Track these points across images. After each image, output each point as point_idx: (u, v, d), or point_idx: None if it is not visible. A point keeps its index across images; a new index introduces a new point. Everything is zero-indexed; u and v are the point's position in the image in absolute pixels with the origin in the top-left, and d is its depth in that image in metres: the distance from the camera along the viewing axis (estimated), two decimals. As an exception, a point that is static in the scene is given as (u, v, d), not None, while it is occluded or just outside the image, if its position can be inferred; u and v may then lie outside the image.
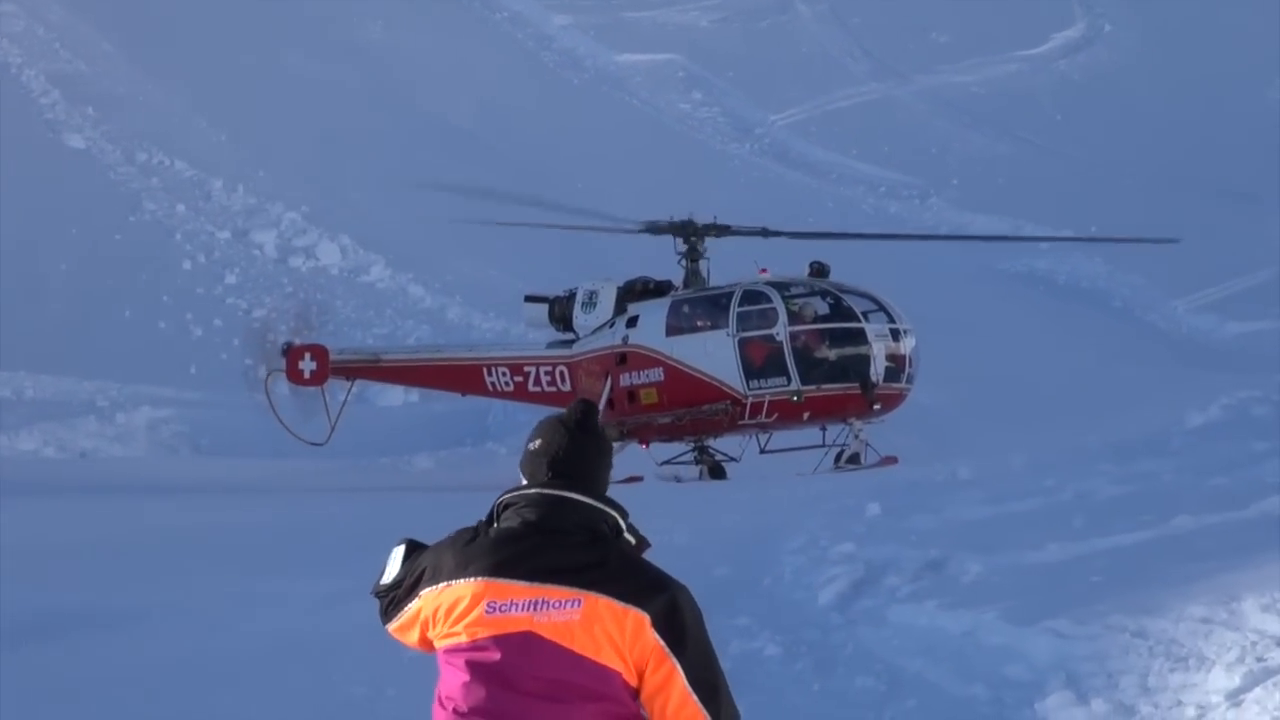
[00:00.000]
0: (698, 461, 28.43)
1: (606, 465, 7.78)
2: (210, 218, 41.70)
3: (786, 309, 27.40)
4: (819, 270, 27.91)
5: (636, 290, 28.98)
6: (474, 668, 7.65)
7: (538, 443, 7.71)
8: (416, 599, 7.76)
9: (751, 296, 27.73)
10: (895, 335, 27.44)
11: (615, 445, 29.11)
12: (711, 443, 28.53)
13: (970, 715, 13.95)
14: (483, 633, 7.61)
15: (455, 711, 7.66)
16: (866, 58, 54.99)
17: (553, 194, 32.32)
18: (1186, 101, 51.41)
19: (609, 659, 7.55)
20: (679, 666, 7.55)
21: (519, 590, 7.59)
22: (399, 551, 7.94)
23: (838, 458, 27.57)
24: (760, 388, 27.36)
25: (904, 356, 27.43)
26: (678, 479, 28.06)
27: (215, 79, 46.25)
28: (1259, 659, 13.29)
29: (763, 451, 28.38)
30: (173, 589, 16.97)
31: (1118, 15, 57.56)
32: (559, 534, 7.63)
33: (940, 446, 27.55)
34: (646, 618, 7.54)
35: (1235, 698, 12.40)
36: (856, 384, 27.06)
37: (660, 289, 29.12)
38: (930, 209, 47.22)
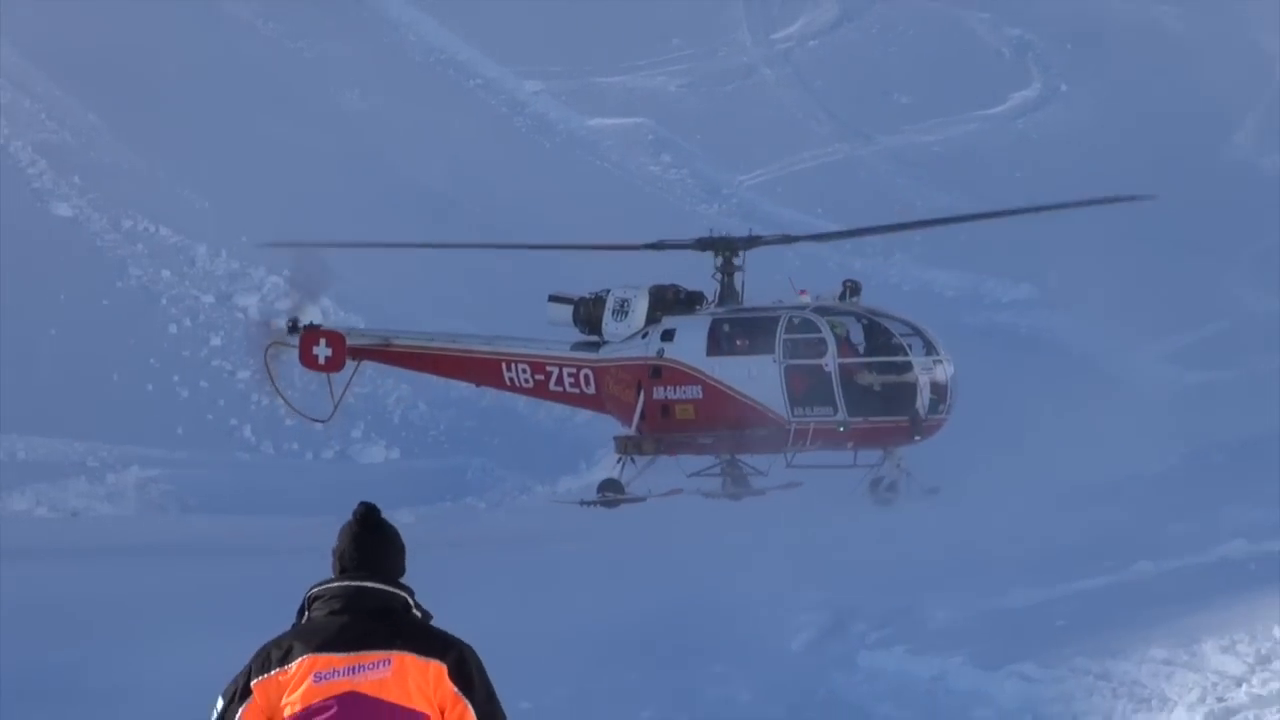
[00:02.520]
0: (724, 474, 27.81)
1: (396, 553, 9.27)
2: (195, 282, 41.99)
3: (835, 339, 26.94)
4: (853, 288, 27.72)
5: (668, 299, 28.35)
6: None
7: (337, 544, 9.20)
8: (250, 697, 9.07)
9: (799, 324, 27.23)
10: (937, 365, 27.10)
11: (647, 458, 27.58)
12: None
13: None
14: (315, 699, 8.98)
15: None
16: (830, 119, 55.46)
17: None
18: (1142, 157, 51.87)
19: (419, 704, 9.06)
20: (470, 705, 9.10)
21: (338, 660, 9.01)
22: (219, 701, 9.20)
23: (876, 484, 27.34)
24: (805, 415, 26.88)
25: (945, 386, 27.04)
26: (707, 493, 27.65)
27: (198, 147, 46.59)
28: (1219, 699, 13.50)
29: (789, 465, 27.70)
30: (162, 654, 17.09)
31: (1072, 75, 58.12)
32: (361, 613, 9.11)
33: (904, 493, 27.60)
34: (445, 667, 9.06)
35: (1197, 737, 12.57)
36: (904, 417, 26.74)
37: (691, 299, 28.46)
38: (894, 264, 47.55)
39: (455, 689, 9.15)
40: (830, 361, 26.83)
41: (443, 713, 9.16)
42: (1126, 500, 20.81)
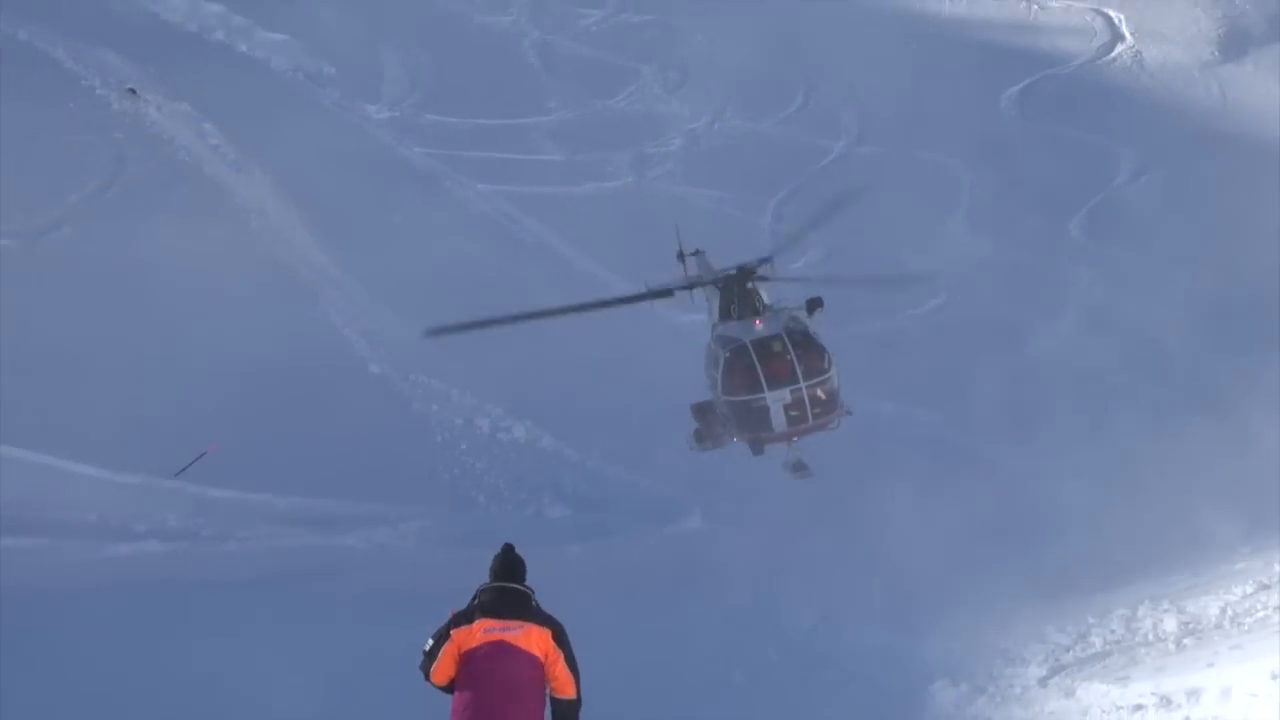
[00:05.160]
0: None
1: (520, 569, 14.61)
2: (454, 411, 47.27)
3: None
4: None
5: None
6: (477, 659, 14.37)
7: (492, 564, 14.67)
8: (449, 640, 14.37)
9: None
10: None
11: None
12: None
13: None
14: (483, 642, 14.40)
15: (469, 684, 14.27)
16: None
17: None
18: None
19: (536, 652, 14.42)
20: (562, 656, 14.42)
21: (495, 624, 14.46)
22: (428, 641, 14.49)
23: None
24: None
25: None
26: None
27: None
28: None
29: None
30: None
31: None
32: (506, 600, 14.57)
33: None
34: (551, 632, 14.48)
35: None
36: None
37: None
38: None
39: (555, 645, 14.41)
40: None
41: (546, 658, 14.37)
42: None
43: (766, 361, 23.72)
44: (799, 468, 24.56)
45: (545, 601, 14.93)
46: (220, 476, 25.91)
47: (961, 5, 46.32)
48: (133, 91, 36.48)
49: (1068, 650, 22.77)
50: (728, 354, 24.00)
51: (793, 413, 23.61)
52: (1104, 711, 20.16)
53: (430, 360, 29.80)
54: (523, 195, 36.32)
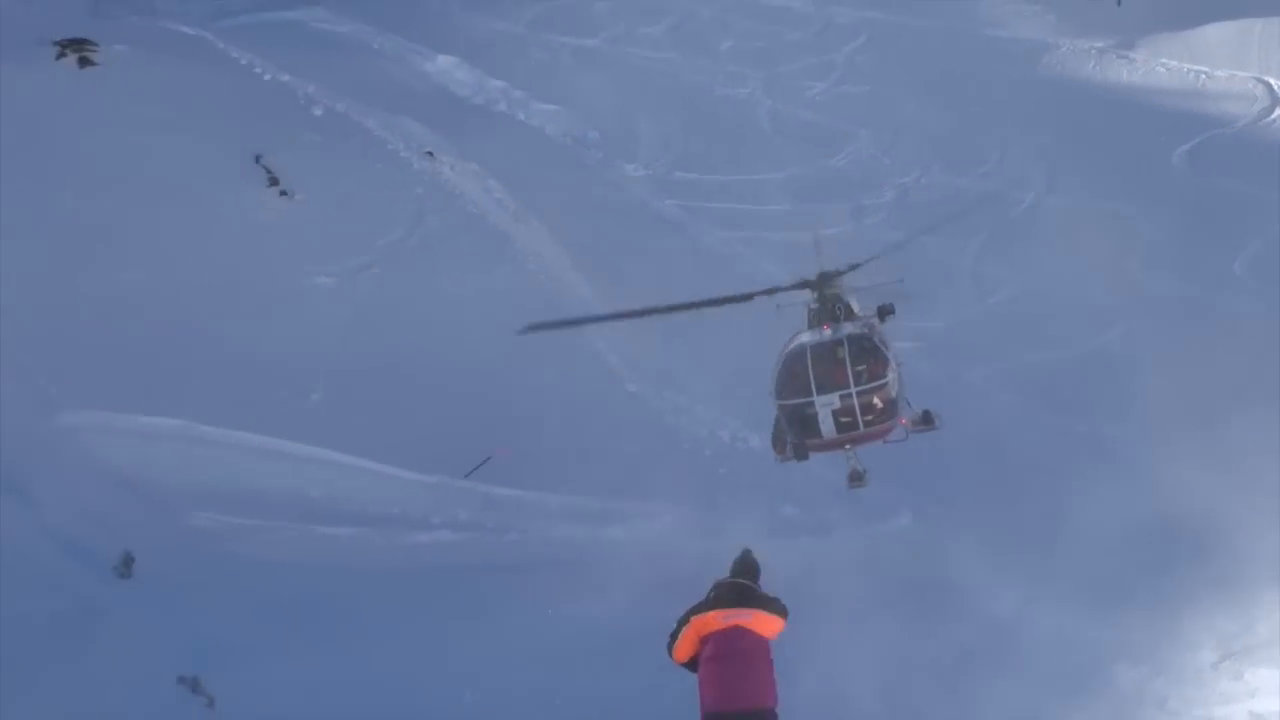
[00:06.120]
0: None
1: (754, 568, 15.47)
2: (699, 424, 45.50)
3: None
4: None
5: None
6: (714, 640, 15.02)
7: (733, 563, 15.53)
8: (689, 625, 15.14)
9: None
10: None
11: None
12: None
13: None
14: (720, 627, 15.03)
15: (712, 658, 14.96)
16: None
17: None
18: None
19: (765, 634, 15.14)
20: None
21: (730, 611, 15.14)
22: (675, 626, 15.25)
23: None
24: None
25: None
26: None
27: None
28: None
29: None
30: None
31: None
32: (739, 592, 15.28)
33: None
34: (780, 618, 15.25)
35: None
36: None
37: None
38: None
39: (783, 628, 15.19)
40: None
41: (774, 639, 15.11)
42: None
43: (819, 366, 20.56)
44: (855, 477, 21.53)
45: (780, 590, 15.61)
46: (503, 478, 26.38)
47: (1138, 74, 45.75)
48: (430, 154, 37.14)
49: (1236, 638, 22.20)
50: (784, 358, 21.07)
51: (843, 419, 20.45)
52: (1269, 693, 19.96)
53: (679, 379, 30.01)
54: (755, 240, 36.49)
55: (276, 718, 19.29)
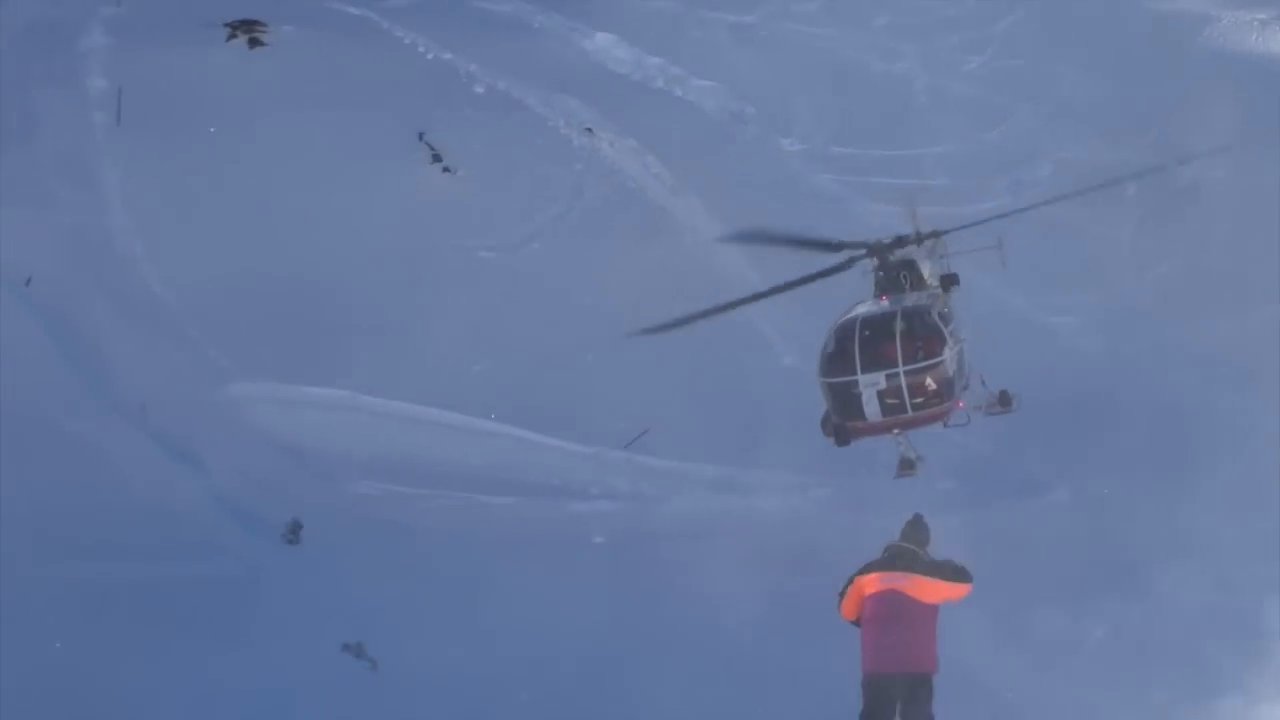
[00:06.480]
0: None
1: (923, 531, 15.76)
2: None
3: None
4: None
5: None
6: (874, 601, 15.42)
7: (903, 526, 15.94)
8: (853, 585, 15.55)
9: None
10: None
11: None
12: None
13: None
14: (878, 589, 15.40)
15: (870, 619, 15.27)
16: None
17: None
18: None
19: (927, 600, 15.32)
20: (949, 587, 15.27)
21: (889, 574, 15.48)
22: (842, 585, 15.67)
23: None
24: None
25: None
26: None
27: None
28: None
29: None
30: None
31: None
32: (903, 556, 15.55)
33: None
34: (940, 581, 15.33)
35: None
36: None
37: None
38: None
39: (944, 588, 15.28)
40: None
41: (936, 602, 15.19)
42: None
43: (867, 341, 18.33)
44: (905, 465, 19.25)
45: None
46: (661, 448, 26.50)
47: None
48: (589, 130, 37.22)
49: None
50: (834, 330, 19.00)
51: (889, 401, 18.17)
52: None
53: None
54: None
55: (438, 684, 19.46)
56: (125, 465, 23.89)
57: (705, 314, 20.52)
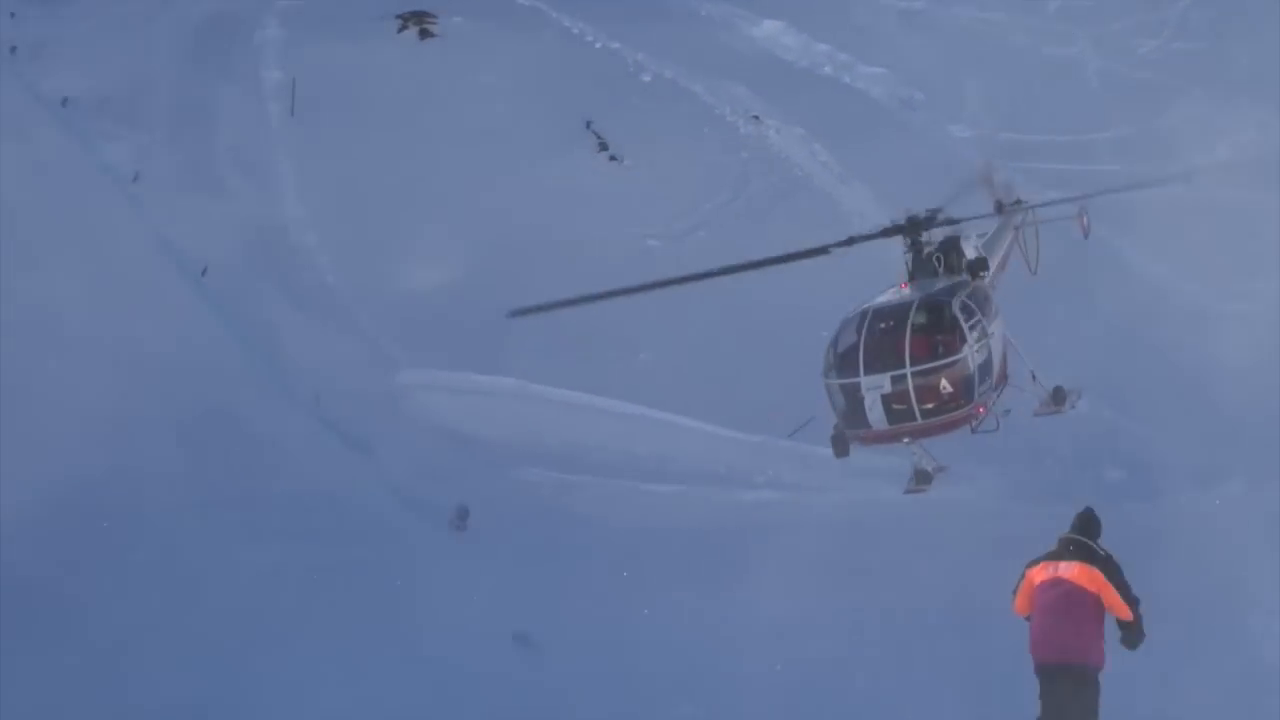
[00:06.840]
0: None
1: (1094, 525, 14.99)
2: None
3: None
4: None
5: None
6: (1040, 591, 14.80)
7: (1074, 518, 15.13)
8: (1024, 578, 14.93)
9: None
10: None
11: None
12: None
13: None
14: (1047, 577, 14.74)
15: (1039, 608, 14.68)
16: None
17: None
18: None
19: (1087, 585, 14.58)
20: (1113, 585, 14.54)
21: (1057, 563, 14.80)
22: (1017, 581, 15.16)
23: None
24: None
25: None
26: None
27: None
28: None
29: None
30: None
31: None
32: (1072, 547, 14.87)
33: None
34: (1099, 570, 14.53)
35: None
36: None
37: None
38: None
39: (1105, 579, 14.46)
40: None
41: (1099, 591, 14.37)
42: None
43: (874, 337, 16.13)
44: (919, 478, 17.25)
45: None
46: (825, 438, 26.13)
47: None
48: (756, 118, 37.01)
49: None
50: (841, 324, 16.90)
51: (895, 406, 15.96)
52: None
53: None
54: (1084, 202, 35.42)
55: (602, 672, 19.43)
56: (299, 453, 24.18)
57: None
